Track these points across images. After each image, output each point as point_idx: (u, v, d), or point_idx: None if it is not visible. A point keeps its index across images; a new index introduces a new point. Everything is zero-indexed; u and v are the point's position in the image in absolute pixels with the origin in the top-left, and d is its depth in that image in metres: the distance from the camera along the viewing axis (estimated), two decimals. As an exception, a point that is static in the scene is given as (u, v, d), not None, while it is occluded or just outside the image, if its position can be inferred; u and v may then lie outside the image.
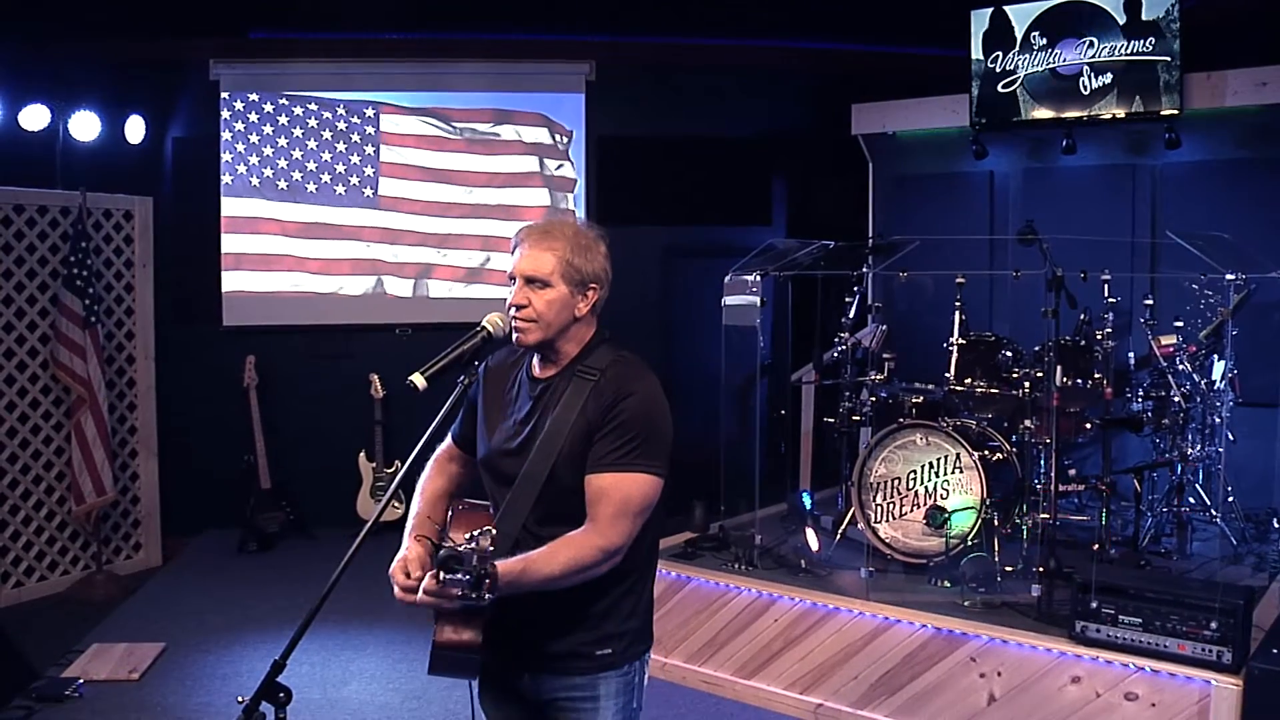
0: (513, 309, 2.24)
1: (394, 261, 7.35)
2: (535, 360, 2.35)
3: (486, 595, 1.90)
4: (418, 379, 2.17)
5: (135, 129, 6.56)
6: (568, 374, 2.27)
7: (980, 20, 6.27)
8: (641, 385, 2.23)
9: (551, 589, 2.12)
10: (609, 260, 2.32)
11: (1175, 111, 5.78)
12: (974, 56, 6.30)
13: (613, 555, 2.18)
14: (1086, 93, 6.01)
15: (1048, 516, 4.60)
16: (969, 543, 4.66)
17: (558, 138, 7.47)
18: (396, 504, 5.57)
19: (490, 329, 2.26)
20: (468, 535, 1.91)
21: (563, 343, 2.28)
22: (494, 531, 1.91)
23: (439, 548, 1.99)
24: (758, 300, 5.27)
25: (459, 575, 1.89)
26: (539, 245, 2.25)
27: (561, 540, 2.13)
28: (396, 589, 2.16)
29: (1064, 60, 6.06)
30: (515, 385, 2.37)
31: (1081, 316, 5.20)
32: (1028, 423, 4.97)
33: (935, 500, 4.82)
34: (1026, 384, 5.00)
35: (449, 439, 2.54)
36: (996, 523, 4.84)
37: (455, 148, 7.39)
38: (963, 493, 4.76)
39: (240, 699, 2.03)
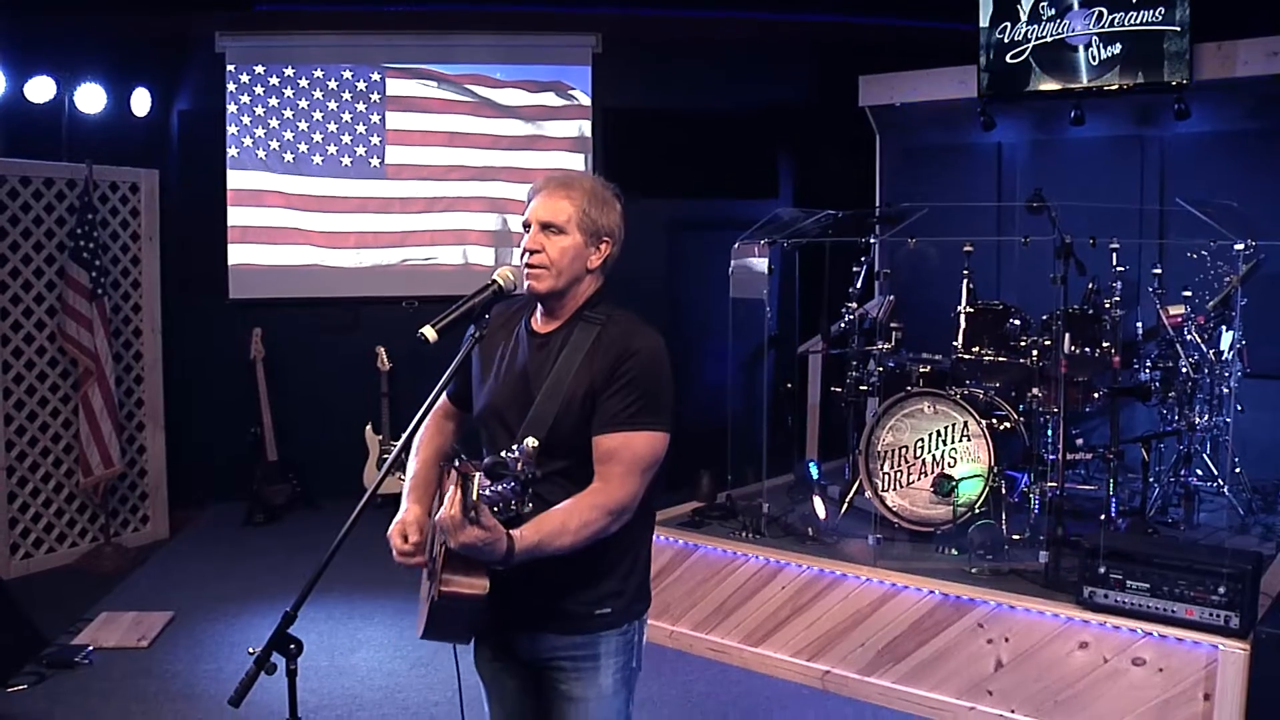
0: (526, 254, 2.24)
1: (400, 232, 7.35)
2: (537, 314, 2.33)
3: (528, 505, 1.89)
4: (429, 331, 2.16)
5: (141, 101, 6.54)
6: (571, 324, 2.27)
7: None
8: (646, 342, 2.22)
9: (566, 554, 2.11)
10: (624, 220, 2.32)
11: (1184, 82, 5.73)
12: (982, 27, 6.26)
13: (623, 514, 2.18)
14: (1095, 63, 5.97)
15: (1055, 485, 4.60)
16: (976, 510, 4.66)
17: (568, 101, 7.44)
18: (402, 475, 5.58)
19: (501, 282, 2.26)
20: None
21: (569, 295, 2.28)
22: (534, 441, 1.87)
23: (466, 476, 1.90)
24: (765, 268, 5.26)
25: (506, 484, 1.86)
26: (557, 194, 2.25)
27: (571, 504, 2.12)
28: (395, 552, 2.24)
29: (1072, 31, 6.01)
30: (514, 340, 2.36)
31: (1090, 285, 5.16)
32: (1035, 391, 4.96)
33: (943, 468, 4.81)
34: (1034, 352, 4.98)
35: (443, 396, 2.52)
36: (1004, 491, 4.83)
37: (462, 110, 7.37)
38: (970, 461, 4.76)
39: (251, 650, 2.04)
